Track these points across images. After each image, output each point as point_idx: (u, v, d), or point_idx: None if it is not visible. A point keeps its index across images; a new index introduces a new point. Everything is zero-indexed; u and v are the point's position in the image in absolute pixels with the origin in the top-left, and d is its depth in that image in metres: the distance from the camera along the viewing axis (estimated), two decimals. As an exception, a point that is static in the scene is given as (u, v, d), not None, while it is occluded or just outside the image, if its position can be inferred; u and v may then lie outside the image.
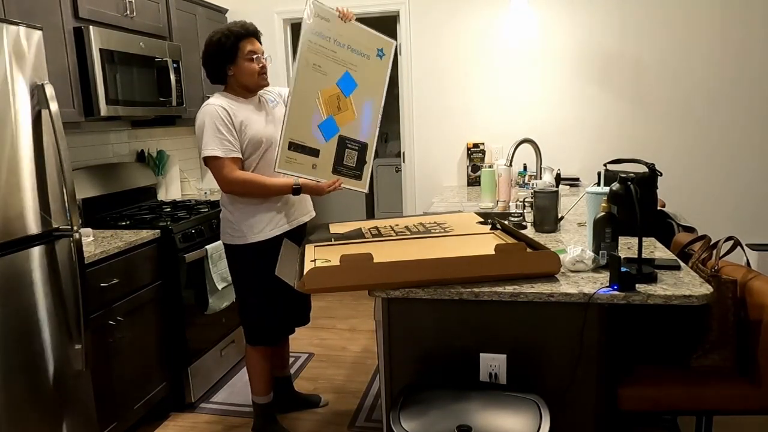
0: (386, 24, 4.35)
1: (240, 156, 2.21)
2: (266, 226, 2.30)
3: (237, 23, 2.23)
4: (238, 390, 3.03)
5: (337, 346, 3.58)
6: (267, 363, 2.51)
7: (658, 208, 2.70)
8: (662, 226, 2.61)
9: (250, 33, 2.23)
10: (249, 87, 2.27)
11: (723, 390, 1.75)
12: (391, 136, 5.98)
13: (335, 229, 2.34)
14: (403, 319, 1.74)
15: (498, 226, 2.13)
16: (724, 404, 1.76)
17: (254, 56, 2.22)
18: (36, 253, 1.96)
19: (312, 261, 1.82)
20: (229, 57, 2.20)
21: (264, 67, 2.27)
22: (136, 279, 2.57)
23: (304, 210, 2.47)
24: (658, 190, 2.42)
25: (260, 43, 2.28)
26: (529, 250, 1.74)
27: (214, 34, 2.21)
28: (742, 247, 1.94)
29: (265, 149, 2.27)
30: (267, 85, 2.33)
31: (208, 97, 2.29)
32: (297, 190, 2.25)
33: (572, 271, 1.77)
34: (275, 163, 2.17)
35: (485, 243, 1.95)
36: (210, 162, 2.19)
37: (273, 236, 2.32)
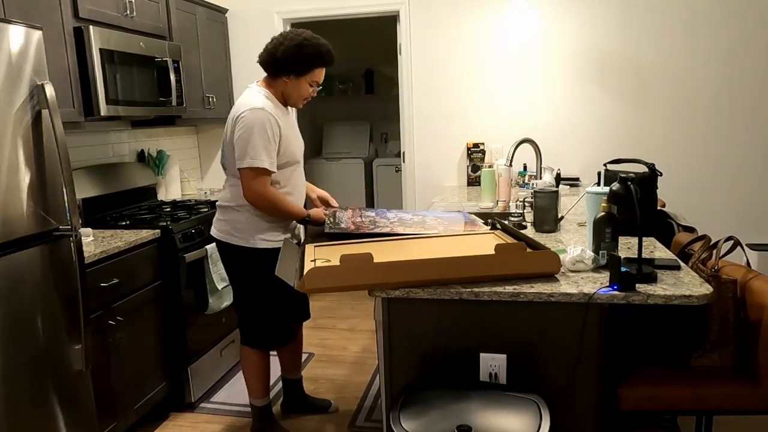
0: (386, 24, 4.37)
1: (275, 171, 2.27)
2: (277, 235, 2.34)
3: (329, 50, 2.24)
4: (238, 390, 3.03)
5: (337, 346, 3.58)
6: (264, 364, 2.50)
7: (658, 208, 2.70)
8: (662, 226, 2.61)
9: (327, 65, 2.27)
10: (288, 101, 2.34)
11: (723, 390, 1.75)
12: (391, 136, 5.97)
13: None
14: (403, 319, 1.74)
15: (498, 226, 2.14)
16: (724, 404, 1.76)
17: (314, 85, 2.29)
18: (36, 253, 1.95)
19: (312, 261, 1.82)
20: (299, 70, 2.22)
21: (311, 97, 2.35)
22: (136, 279, 2.57)
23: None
24: (658, 190, 2.42)
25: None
26: (529, 250, 1.74)
27: (307, 45, 2.19)
28: (742, 247, 1.94)
29: (293, 169, 2.35)
30: (300, 108, 2.44)
31: (249, 88, 2.30)
32: (306, 220, 2.33)
33: (572, 271, 1.77)
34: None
35: (485, 243, 1.95)
36: (252, 170, 2.16)
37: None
